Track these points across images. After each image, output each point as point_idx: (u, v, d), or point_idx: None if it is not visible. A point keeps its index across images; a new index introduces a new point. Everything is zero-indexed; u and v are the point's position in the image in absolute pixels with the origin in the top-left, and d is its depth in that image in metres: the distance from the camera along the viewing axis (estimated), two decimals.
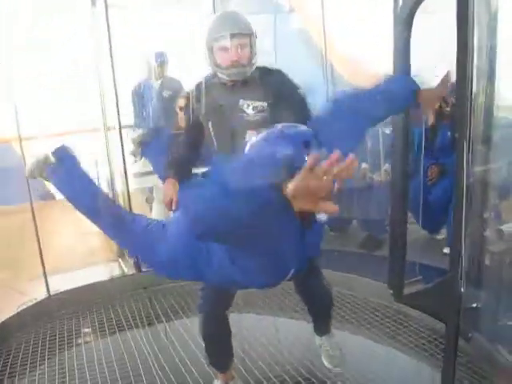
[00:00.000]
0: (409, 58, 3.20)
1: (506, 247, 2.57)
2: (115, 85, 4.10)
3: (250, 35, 2.42)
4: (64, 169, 2.14)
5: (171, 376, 2.93)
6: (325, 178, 1.19)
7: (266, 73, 2.49)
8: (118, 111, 4.14)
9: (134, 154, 3.08)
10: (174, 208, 2.54)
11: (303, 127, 1.65)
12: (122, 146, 4.18)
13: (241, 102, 2.42)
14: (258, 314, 3.75)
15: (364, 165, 4.56)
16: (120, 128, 4.19)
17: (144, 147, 3.00)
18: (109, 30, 3.97)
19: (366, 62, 5.07)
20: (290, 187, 1.25)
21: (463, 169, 1.96)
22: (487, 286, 2.73)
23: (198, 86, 2.59)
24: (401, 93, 2.07)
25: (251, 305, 3.72)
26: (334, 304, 2.82)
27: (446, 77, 2.31)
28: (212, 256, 1.82)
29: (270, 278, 1.88)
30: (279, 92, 2.43)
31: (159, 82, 5.35)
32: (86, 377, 3.00)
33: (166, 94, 5.24)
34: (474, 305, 2.90)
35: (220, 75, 2.46)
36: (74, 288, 4.03)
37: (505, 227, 2.56)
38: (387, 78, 2.17)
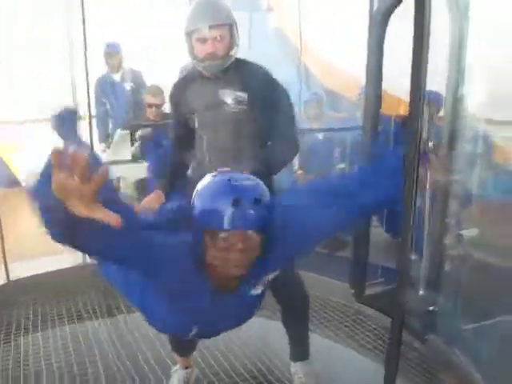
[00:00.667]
0: (382, 60, 3.26)
1: (465, 252, 2.62)
2: (87, 74, 4.04)
3: (229, 25, 2.33)
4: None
5: (128, 364, 2.93)
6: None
7: (247, 65, 2.43)
8: (89, 101, 4.09)
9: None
10: None
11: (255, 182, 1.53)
12: (91, 135, 4.13)
13: (220, 92, 2.36)
14: None
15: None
16: (90, 117, 4.14)
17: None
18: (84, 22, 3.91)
19: (340, 63, 5.12)
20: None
21: (413, 175, 1.97)
22: (445, 289, 2.78)
23: (179, 83, 2.55)
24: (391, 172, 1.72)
25: None
26: (308, 324, 2.75)
27: None
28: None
29: (171, 328, 1.89)
30: (260, 86, 2.35)
31: (119, 74, 5.31)
32: (42, 364, 2.97)
33: (128, 86, 5.19)
34: (431, 308, 2.96)
35: (198, 67, 2.39)
36: (35, 275, 3.97)
37: (464, 232, 2.60)
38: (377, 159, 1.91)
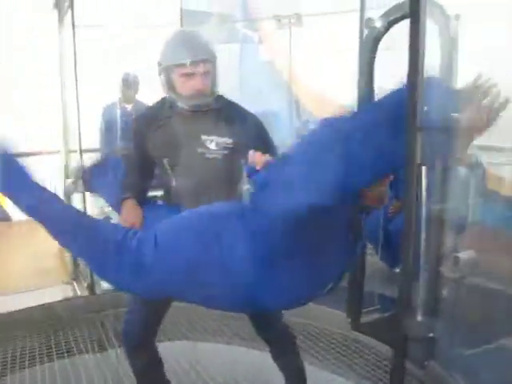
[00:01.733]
0: (372, 87, 3.28)
1: (462, 274, 2.59)
2: (78, 106, 4.02)
3: (214, 61, 2.20)
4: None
5: None
6: None
7: (232, 106, 2.30)
8: (80, 133, 4.06)
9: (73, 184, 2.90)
10: None
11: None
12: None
13: (203, 137, 2.17)
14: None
15: None
16: (81, 151, 4.10)
17: (92, 178, 2.68)
18: (75, 49, 3.92)
19: (331, 94, 5.16)
20: None
21: (413, 204, 1.96)
22: (443, 315, 2.74)
23: (148, 118, 2.35)
24: None
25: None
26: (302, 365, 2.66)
27: None
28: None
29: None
30: (244, 129, 2.20)
31: (131, 105, 5.19)
32: None
33: None
34: (431, 334, 2.91)
35: (180, 104, 2.21)
36: (24, 308, 3.87)
37: (461, 254, 2.58)
38: None
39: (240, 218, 1.75)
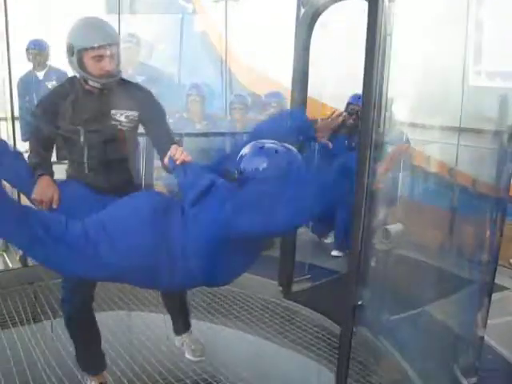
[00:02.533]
0: (307, 65, 3.38)
1: (392, 246, 2.76)
2: (10, 72, 3.91)
3: (118, 44, 2.42)
4: None
5: (57, 370, 2.85)
6: None
7: (128, 83, 2.56)
8: (12, 100, 3.97)
9: None
10: (55, 206, 2.33)
11: None
12: (14, 137, 4.00)
13: (113, 111, 2.42)
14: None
15: None
16: (13, 118, 4.01)
17: None
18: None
19: (266, 69, 5.22)
20: None
21: (364, 177, 2.08)
22: (373, 283, 2.91)
23: (59, 94, 2.49)
24: (298, 127, 2.37)
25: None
26: (187, 301, 2.98)
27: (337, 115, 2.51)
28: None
29: None
30: (145, 104, 2.48)
31: (43, 72, 5.18)
32: None
33: (50, 85, 5.04)
34: (360, 302, 3.09)
35: (91, 83, 2.39)
36: None
37: (391, 227, 2.74)
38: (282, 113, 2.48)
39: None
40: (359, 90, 2.30)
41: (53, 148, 2.57)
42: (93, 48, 2.30)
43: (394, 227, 2.77)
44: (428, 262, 2.77)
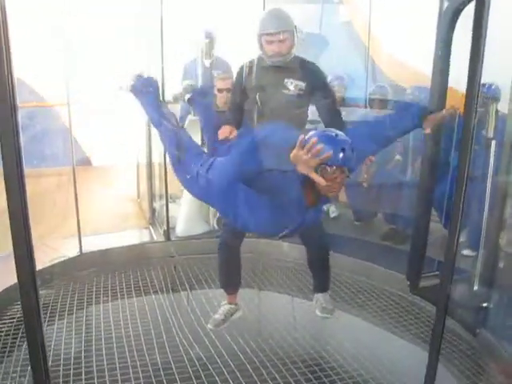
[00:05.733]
0: (449, 57, 3.30)
1: None
2: (162, 61, 4.28)
3: (290, 31, 2.93)
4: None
5: (189, 336, 3.13)
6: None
7: (304, 62, 3.05)
8: (163, 85, 4.31)
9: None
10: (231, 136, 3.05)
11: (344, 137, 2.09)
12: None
13: (285, 80, 2.98)
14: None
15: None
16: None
17: (193, 104, 3.80)
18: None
19: (409, 61, 5.12)
20: (291, 155, 1.93)
21: (464, 177, 2.06)
22: (498, 286, 2.84)
23: (250, 65, 3.14)
24: (408, 119, 2.65)
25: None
26: (329, 265, 3.27)
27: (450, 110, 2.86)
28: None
29: (273, 229, 2.31)
30: (313, 78, 3.01)
31: (210, 61, 5.44)
32: (112, 331, 3.20)
33: (215, 73, 5.33)
34: (485, 304, 3.02)
35: (267, 60, 3.01)
36: (105, 249, 4.25)
37: None
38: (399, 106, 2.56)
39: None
40: None
41: (242, 109, 3.24)
42: (266, 34, 2.91)
43: None
44: None
